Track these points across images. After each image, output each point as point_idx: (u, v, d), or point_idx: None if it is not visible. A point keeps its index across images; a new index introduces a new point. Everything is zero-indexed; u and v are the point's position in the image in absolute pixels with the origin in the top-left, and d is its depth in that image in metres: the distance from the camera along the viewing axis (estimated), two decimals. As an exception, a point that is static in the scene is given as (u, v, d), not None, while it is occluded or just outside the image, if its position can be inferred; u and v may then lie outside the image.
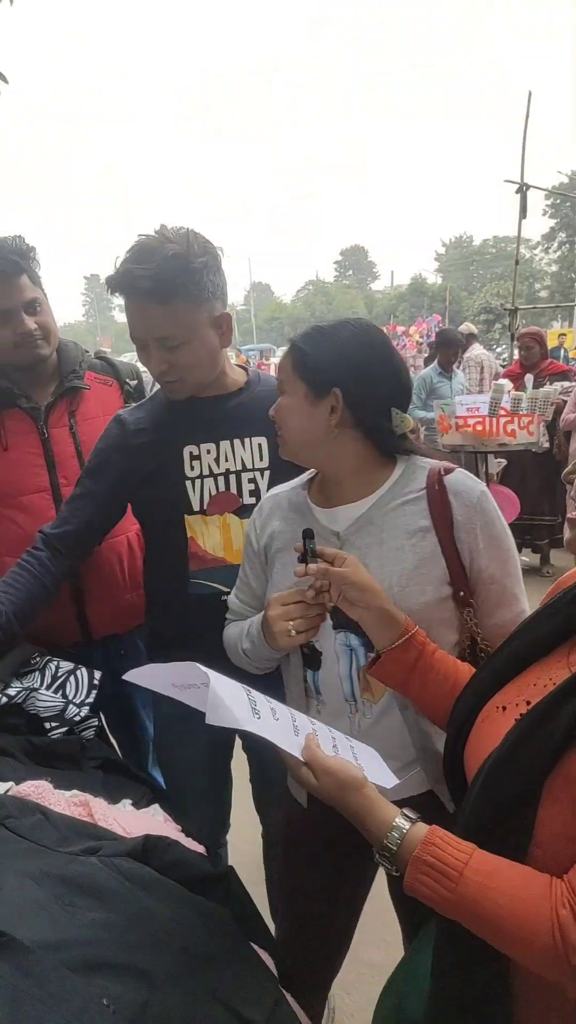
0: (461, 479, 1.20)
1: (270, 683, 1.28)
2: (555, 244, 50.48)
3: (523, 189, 5.93)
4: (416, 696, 1.10)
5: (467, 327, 6.56)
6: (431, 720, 1.13)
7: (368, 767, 0.99)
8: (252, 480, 1.54)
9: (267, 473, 1.54)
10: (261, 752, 1.63)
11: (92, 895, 0.87)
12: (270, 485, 1.51)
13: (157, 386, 1.57)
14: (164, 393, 1.54)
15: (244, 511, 1.52)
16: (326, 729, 1.02)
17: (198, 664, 0.89)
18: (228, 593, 1.49)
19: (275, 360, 18.53)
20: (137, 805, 1.21)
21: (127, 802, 1.16)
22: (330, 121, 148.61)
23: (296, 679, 1.31)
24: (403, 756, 1.22)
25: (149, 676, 0.96)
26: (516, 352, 5.90)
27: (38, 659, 1.48)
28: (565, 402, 4.73)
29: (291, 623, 1.16)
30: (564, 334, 17.16)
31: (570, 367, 6.36)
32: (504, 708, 0.91)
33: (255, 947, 0.93)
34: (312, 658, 1.25)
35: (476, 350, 6.78)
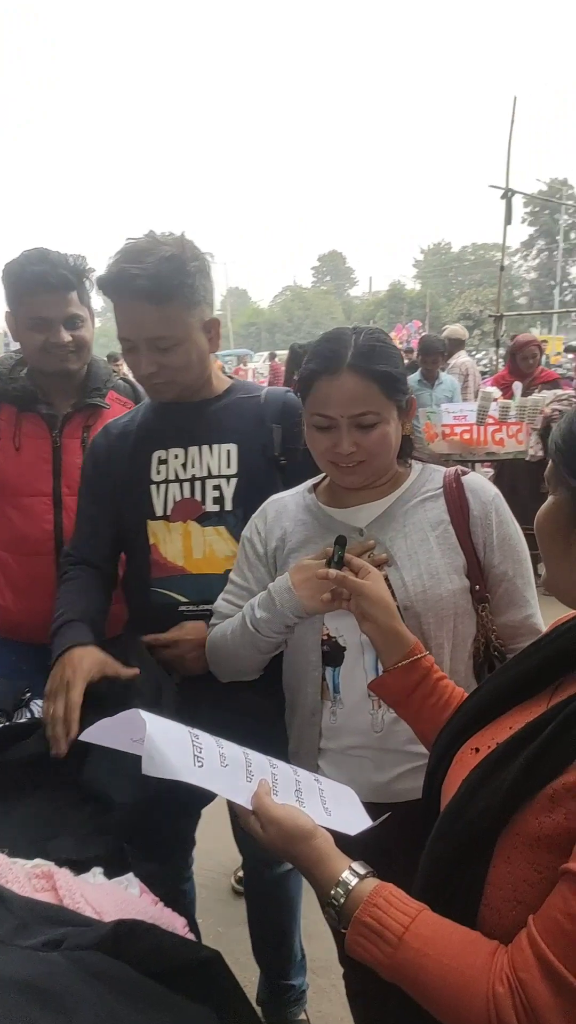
0: (478, 479, 1.28)
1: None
2: (534, 251, 51.23)
3: (508, 195, 5.88)
4: (412, 719, 1.10)
5: (454, 332, 6.42)
6: (424, 745, 1.11)
7: (337, 811, 0.95)
8: (217, 487, 1.50)
9: (234, 481, 1.50)
10: None
11: (53, 1005, 0.73)
12: (236, 494, 1.50)
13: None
14: (149, 395, 1.54)
15: (206, 519, 1.49)
16: (290, 771, 0.98)
17: (139, 710, 0.87)
18: (185, 604, 1.48)
19: (253, 366, 18.45)
20: (108, 864, 1.08)
21: (98, 871, 1.03)
22: (308, 126, 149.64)
23: (312, 680, 1.28)
24: (424, 751, 1.20)
25: (104, 733, 0.92)
26: (501, 359, 5.87)
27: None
28: (560, 412, 4.67)
29: (328, 593, 1.16)
30: (545, 341, 17.29)
31: (560, 376, 6.32)
32: (477, 750, 0.85)
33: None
34: (334, 655, 1.25)
35: (462, 357, 6.70)
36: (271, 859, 1.73)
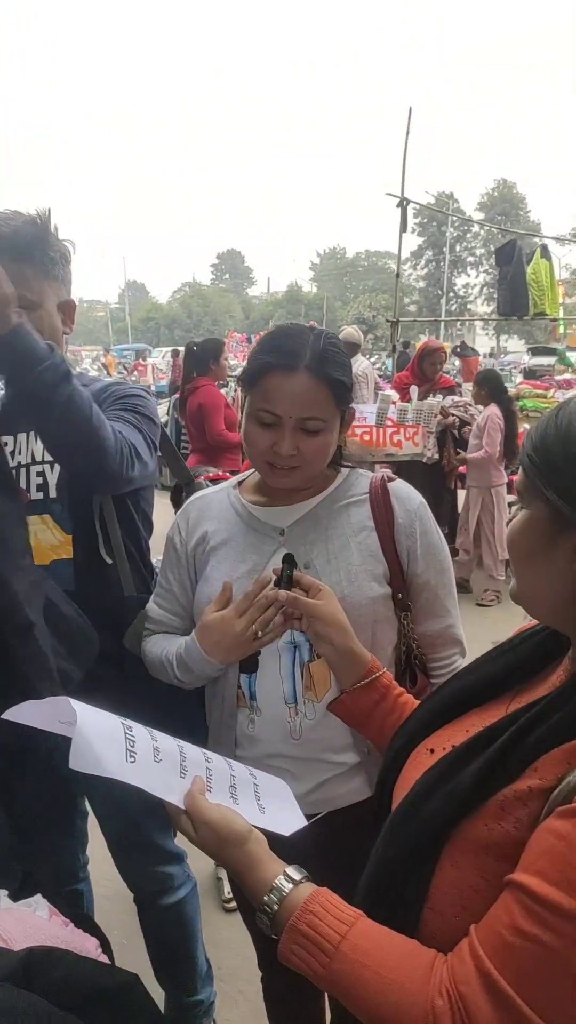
0: (404, 487, 1.27)
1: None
2: (423, 261, 53.20)
3: (403, 203, 6.07)
4: (374, 737, 1.06)
5: (350, 335, 6.49)
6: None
7: (271, 809, 0.92)
8: (40, 474, 1.43)
9: (57, 467, 1.43)
10: None
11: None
12: (60, 480, 1.43)
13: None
14: None
15: (30, 508, 1.41)
16: (224, 765, 0.94)
17: (70, 699, 0.82)
18: None
19: (152, 361, 18.09)
20: (10, 887, 1.00)
21: (2, 894, 0.96)
22: (207, 122, 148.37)
23: (228, 686, 1.24)
24: (346, 759, 1.21)
25: (30, 713, 0.86)
26: (395, 362, 6.02)
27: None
28: (457, 417, 4.87)
29: (253, 625, 1.13)
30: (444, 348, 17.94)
31: (455, 382, 6.59)
32: (432, 751, 0.84)
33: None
34: (248, 661, 1.20)
35: (362, 363, 6.80)
36: (165, 888, 1.69)
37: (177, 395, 6.78)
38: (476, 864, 0.69)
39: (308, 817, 0.97)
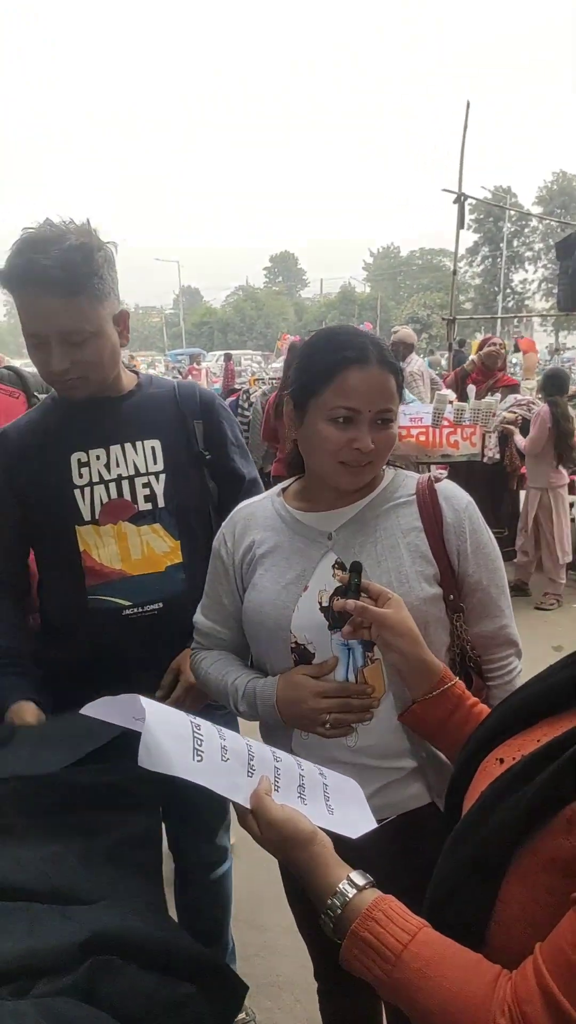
0: (451, 487, 1.25)
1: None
2: (479, 258, 52.29)
3: (461, 199, 5.95)
4: (447, 748, 1.04)
5: (405, 335, 6.41)
6: None
7: (340, 810, 0.91)
8: (147, 485, 1.47)
9: (163, 477, 1.47)
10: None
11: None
12: (167, 490, 1.47)
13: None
14: (61, 394, 1.46)
15: (140, 518, 1.46)
16: (293, 764, 0.93)
17: (140, 697, 0.83)
18: (129, 608, 1.44)
19: (206, 365, 18.28)
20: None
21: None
22: (262, 126, 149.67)
23: None
24: (404, 764, 1.19)
25: (106, 709, 0.89)
26: (450, 361, 5.92)
27: None
28: (520, 417, 4.77)
29: (328, 716, 1.13)
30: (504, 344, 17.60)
31: (518, 381, 6.45)
32: (501, 760, 0.81)
33: None
34: (304, 663, 1.19)
35: (417, 362, 6.71)
36: (213, 861, 1.71)
37: (233, 397, 6.86)
38: (543, 879, 0.66)
39: (378, 822, 0.96)
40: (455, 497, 1.23)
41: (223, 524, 1.33)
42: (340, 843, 0.84)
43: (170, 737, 0.81)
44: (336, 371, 1.12)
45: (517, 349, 14.18)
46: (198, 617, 1.35)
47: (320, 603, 1.17)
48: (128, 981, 0.81)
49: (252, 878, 2.09)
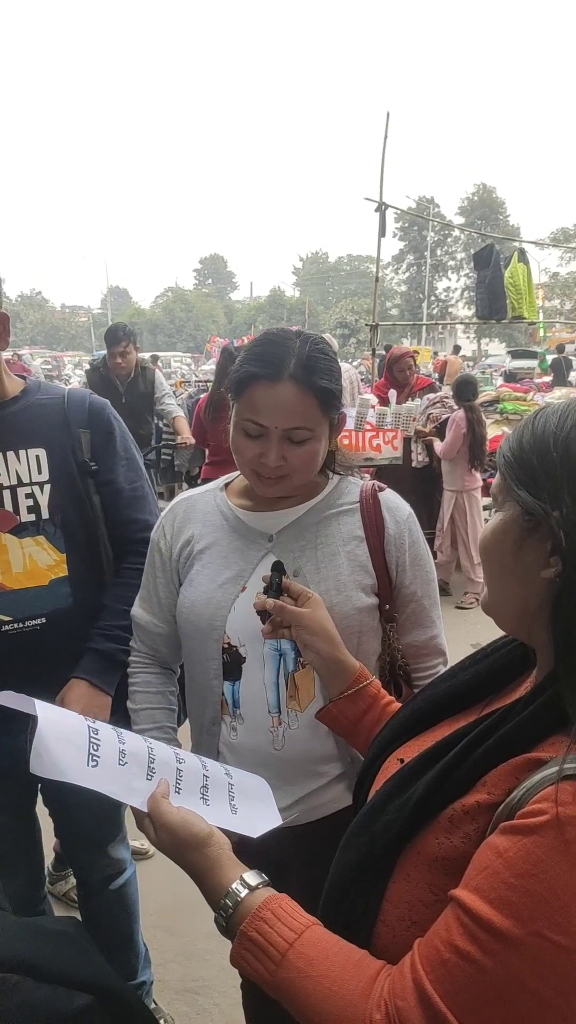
0: (394, 497, 1.26)
1: None
2: (404, 265, 53.47)
3: (382, 208, 6.09)
4: (361, 747, 1.04)
5: (328, 341, 6.52)
6: None
7: (244, 809, 0.91)
8: (31, 495, 1.42)
9: (47, 488, 1.43)
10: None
11: None
12: (52, 500, 1.43)
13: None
14: None
15: (22, 530, 1.41)
16: (197, 765, 0.92)
17: (35, 700, 0.81)
18: (9, 623, 1.40)
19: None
20: None
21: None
22: (188, 127, 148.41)
23: (212, 694, 1.21)
24: (329, 770, 1.19)
25: (17, 700, 0.85)
26: (374, 366, 6.03)
27: None
28: (440, 416, 4.90)
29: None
30: (417, 351, 18.06)
31: (434, 380, 6.63)
32: (402, 760, 0.82)
33: None
34: (232, 667, 1.19)
35: (343, 366, 6.80)
36: (111, 874, 1.69)
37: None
38: (426, 878, 0.68)
39: (287, 822, 0.97)
40: (398, 509, 1.24)
41: (162, 514, 1.31)
42: (254, 848, 0.84)
43: (63, 743, 0.80)
44: (245, 385, 1.11)
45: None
46: (135, 609, 1.33)
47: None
48: (24, 996, 0.79)
49: (171, 883, 2.08)
